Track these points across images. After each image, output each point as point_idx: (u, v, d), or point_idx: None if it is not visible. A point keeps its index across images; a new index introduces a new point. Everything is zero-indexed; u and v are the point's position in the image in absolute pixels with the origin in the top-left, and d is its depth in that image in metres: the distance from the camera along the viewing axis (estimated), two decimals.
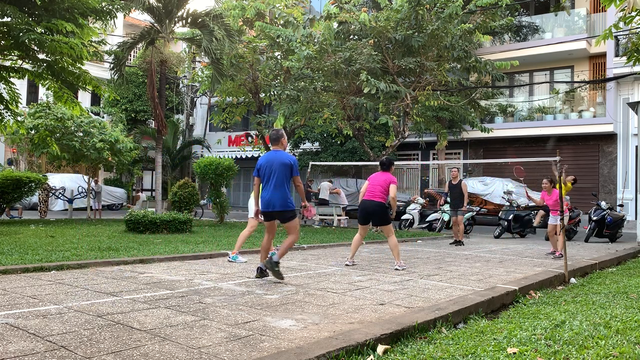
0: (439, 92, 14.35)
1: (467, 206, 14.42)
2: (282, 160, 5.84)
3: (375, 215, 7.25)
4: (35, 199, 19.17)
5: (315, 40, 13.42)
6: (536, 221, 11.80)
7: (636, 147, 18.24)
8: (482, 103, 17.25)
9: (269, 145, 6.11)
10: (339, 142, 22.02)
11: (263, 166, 5.93)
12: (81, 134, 16.17)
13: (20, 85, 16.90)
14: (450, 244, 11.43)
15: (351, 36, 13.77)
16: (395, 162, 19.70)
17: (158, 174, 16.21)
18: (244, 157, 25.35)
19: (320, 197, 17.42)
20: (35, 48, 11.53)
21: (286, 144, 6.20)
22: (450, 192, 11.60)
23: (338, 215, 16.42)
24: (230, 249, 8.43)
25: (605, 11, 19.11)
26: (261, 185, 5.97)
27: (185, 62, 20.13)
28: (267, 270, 5.87)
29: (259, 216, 6.05)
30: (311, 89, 13.84)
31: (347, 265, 7.25)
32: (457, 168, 12.35)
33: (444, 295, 5.14)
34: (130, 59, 24.75)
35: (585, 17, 20.08)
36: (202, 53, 15.10)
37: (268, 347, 3.25)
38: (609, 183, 19.32)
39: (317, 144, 22.78)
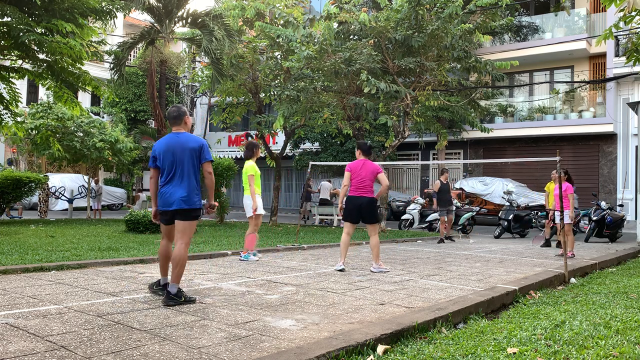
0: (439, 92, 14.34)
1: (467, 206, 14.45)
2: (188, 145, 4.63)
3: (367, 212, 6.62)
4: (35, 199, 19.16)
5: (315, 40, 13.42)
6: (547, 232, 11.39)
7: (636, 147, 18.23)
8: (482, 103, 17.24)
9: (171, 126, 4.76)
10: (339, 142, 22.01)
11: (161, 154, 4.66)
12: (81, 134, 16.17)
13: (20, 85, 16.90)
14: (437, 242, 11.71)
15: (351, 36, 13.76)
16: (395, 162, 19.91)
17: None
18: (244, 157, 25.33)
19: (320, 197, 17.45)
20: (35, 48, 11.54)
21: (190, 124, 4.93)
22: (441, 191, 11.97)
23: (338, 215, 16.43)
24: (230, 248, 8.45)
25: (605, 11, 19.11)
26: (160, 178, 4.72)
27: (185, 62, 20.13)
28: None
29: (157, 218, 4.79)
30: (311, 89, 13.83)
31: (336, 270, 6.62)
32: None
33: (444, 295, 5.14)
34: (130, 59, 24.74)
35: (585, 17, 20.08)
36: (202, 53, 15.09)
37: (268, 347, 3.25)
38: (609, 183, 19.32)
39: (317, 144, 22.79)
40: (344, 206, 6.82)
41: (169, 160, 4.61)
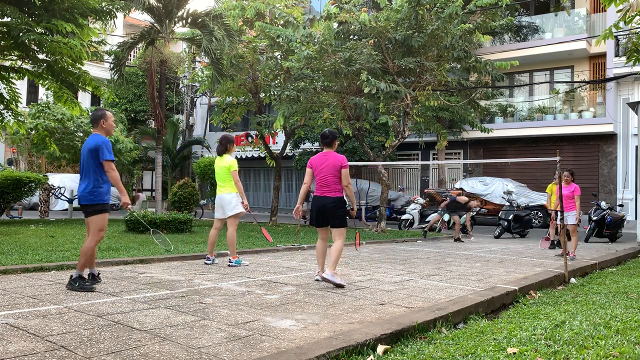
0: (439, 92, 14.34)
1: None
2: (88, 146, 5.20)
3: (332, 214, 5.60)
4: (35, 199, 19.16)
5: (315, 41, 13.41)
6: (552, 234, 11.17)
7: (636, 147, 18.22)
8: (482, 103, 17.24)
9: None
10: (339, 142, 22.00)
11: (81, 154, 5.35)
12: (81, 134, 16.17)
13: (20, 85, 16.90)
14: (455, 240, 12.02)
15: (351, 36, 13.76)
16: (395, 162, 19.92)
17: (158, 174, 16.21)
18: (244, 157, 25.34)
19: None
20: (35, 48, 11.53)
21: (109, 128, 5.35)
22: (455, 202, 12.60)
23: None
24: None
25: (605, 11, 19.10)
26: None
27: (185, 62, 20.11)
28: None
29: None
30: (311, 89, 13.83)
31: (317, 280, 5.79)
32: (461, 191, 13.21)
33: (444, 295, 5.14)
34: (130, 59, 24.73)
35: (585, 17, 20.08)
36: (202, 53, 15.09)
37: (268, 347, 3.25)
38: (609, 183, 19.32)
39: (317, 144, 22.77)
40: (303, 208, 6.35)
41: (80, 160, 5.35)
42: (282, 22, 14.66)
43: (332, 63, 12.64)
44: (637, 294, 5.49)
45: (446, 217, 14.53)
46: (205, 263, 7.13)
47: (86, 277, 5.16)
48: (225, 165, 7.09)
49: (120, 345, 3.22)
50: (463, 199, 12.48)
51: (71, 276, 5.05)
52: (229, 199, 7.09)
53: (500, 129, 20.26)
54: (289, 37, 13.47)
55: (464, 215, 14.31)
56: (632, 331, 3.80)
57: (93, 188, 5.12)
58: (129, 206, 5.54)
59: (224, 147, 7.19)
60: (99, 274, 5.38)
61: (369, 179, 22.34)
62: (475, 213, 14.85)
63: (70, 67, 12.01)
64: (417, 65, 12.96)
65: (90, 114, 4.37)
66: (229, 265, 6.94)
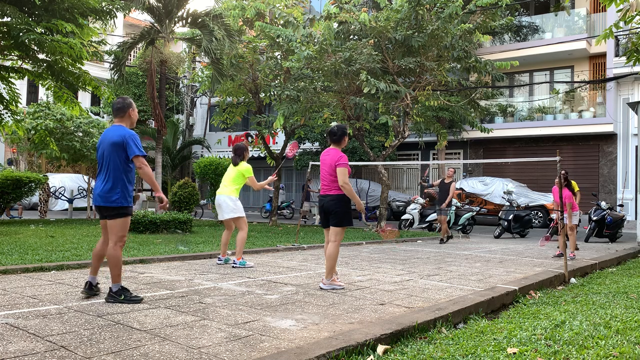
0: (439, 92, 14.34)
1: (467, 206, 14.45)
2: (112, 139, 4.55)
3: (332, 212, 5.37)
4: (35, 199, 19.16)
5: (315, 40, 13.42)
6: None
7: (636, 147, 18.22)
8: (482, 103, 17.24)
9: (114, 118, 4.68)
10: None
11: (98, 147, 4.68)
12: (81, 134, 16.16)
13: (20, 85, 16.89)
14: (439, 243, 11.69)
15: (351, 36, 13.76)
16: (395, 162, 19.90)
17: (158, 174, 16.20)
18: None
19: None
20: (35, 48, 11.53)
21: (136, 118, 4.82)
22: (440, 189, 12.02)
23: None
24: (230, 248, 8.42)
25: (605, 11, 19.10)
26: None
27: (185, 62, 20.11)
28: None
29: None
30: (311, 89, 13.83)
31: (322, 288, 5.39)
32: (455, 169, 12.75)
33: (444, 295, 5.14)
34: (130, 59, 24.74)
35: (585, 17, 20.08)
36: (202, 53, 15.09)
37: (268, 347, 3.25)
38: (609, 183, 19.32)
39: (317, 144, 22.79)
40: (305, 208, 6.15)
41: (99, 154, 4.67)
42: (282, 22, 14.65)
43: (332, 63, 12.64)
44: (637, 294, 5.49)
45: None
46: (217, 263, 7.20)
47: (122, 287, 4.55)
48: (241, 169, 7.11)
49: (120, 345, 3.22)
50: (431, 191, 12.47)
51: (110, 289, 4.49)
52: (226, 201, 7.08)
53: (500, 129, 20.27)
54: (289, 37, 13.46)
55: (465, 215, 14.31)
56: (632, 331, 3.80)
57: (115, 188, 4.50)
58: (132, 206, 4.86)
59: (241, 157, 7.16)
60: (97, 284, 4.77)
61: (369, 179, 22.34)
62: (475, 213, 14.84)
63: (70, 67, 12.01)
64: (417, 65, 12.96)
65: (115, 101, 4.00)
66: (232, 267, 6.87)
